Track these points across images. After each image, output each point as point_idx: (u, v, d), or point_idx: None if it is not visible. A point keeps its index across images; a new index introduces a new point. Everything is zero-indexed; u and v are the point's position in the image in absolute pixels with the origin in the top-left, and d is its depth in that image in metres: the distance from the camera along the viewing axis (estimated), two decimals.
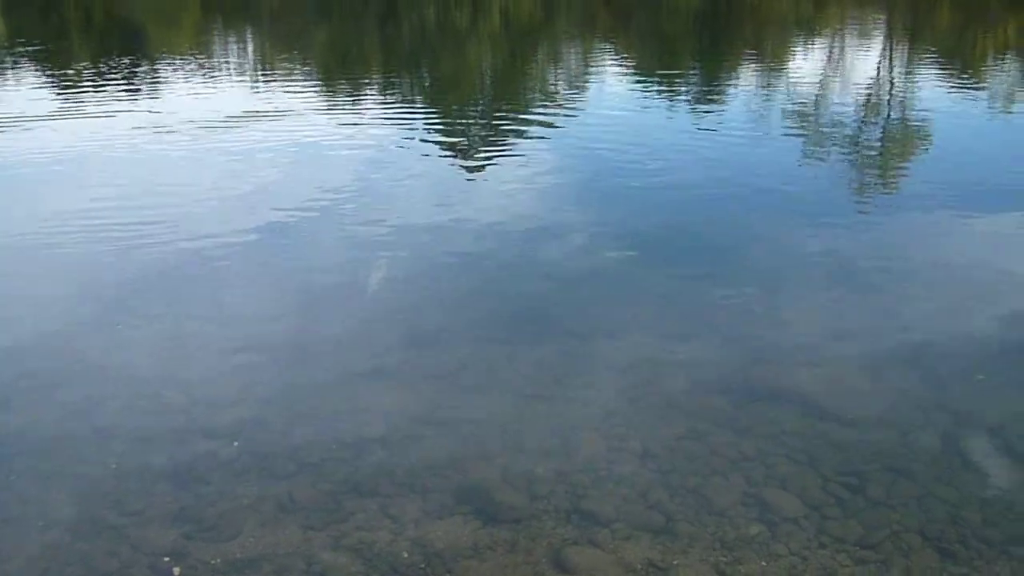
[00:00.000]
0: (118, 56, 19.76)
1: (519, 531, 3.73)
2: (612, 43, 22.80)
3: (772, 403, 4.63)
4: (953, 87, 14.70)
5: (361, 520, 3.83)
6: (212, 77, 16.82)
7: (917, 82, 15.40)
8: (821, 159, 10.08)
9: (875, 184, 9.35)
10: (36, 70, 18.03)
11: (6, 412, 4.71)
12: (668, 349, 5.32)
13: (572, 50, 22.04)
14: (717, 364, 5.13)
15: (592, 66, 18.83)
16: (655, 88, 14.95)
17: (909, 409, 4.51)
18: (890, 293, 6.12)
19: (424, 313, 5.96)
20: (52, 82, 16.48)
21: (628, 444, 4.30)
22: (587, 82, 16.45)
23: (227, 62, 19.46)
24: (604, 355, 5.27)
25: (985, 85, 15.18)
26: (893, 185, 9.27)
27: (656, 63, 18.58)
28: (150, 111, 13.14)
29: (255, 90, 15.32)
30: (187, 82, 16.20)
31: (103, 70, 17.61)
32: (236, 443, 4.41)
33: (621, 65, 18.56)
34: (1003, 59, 18.48)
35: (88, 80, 16.49)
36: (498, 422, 4.54)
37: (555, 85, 16.13)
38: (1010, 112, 13.02)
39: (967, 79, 15.60)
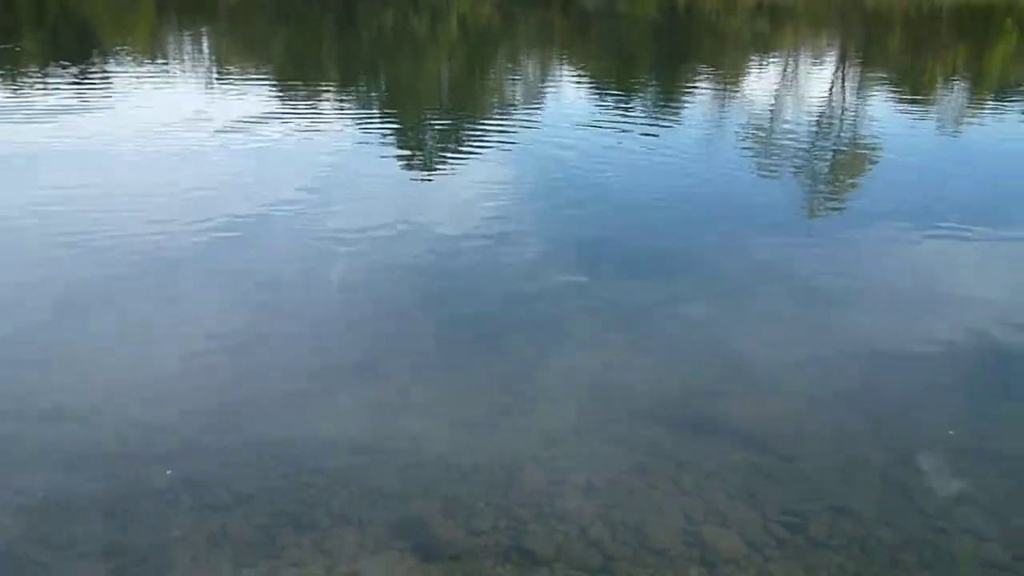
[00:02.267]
0: (71, 56, 19.40)
1: (456, 569, 3.67)
2: (569, 52, 22.88)
3: (714, 435, 4.62)
4: (904, 109, 14.94)
5: (295, 555, 3.73)
6: (167, 80, 16.56)
7: (869, 103, 15.62)
8: (774, 176, 10.16)
9: (826, 202, 9.44)
10: None
11: None
12: (614, 374, 5.29)
13: (530, 58, 22.06)
14: (662, 392, 5.11)
15: (549, 75, 18.86)
16: (612, 99, 15.00)
17: (851, 445, 4.51)
18: (838, 317, 6.15)
19: (370, 329, 5.89)
20: (1, 80, 16.11)
21: (570, 477, 4.25)
22: (544, 91, 16.48)
23: (183, 65, 19.19)
24: (550, 380, 5.22)
25: (934, 107, 15.44)
26: (844, 204, 9.37)
27: (613, 74, 18.66)
28: (104, 112, 12.91)
29: (211, 94, 15.12)
30: (141, 84, 15.94)
31: (55, 70, 17.25)
32: (170, 471, 4.29)
33: (578, 75, 18.61)
34: (952, 83, 18.82)
35: (39, 80, 16.15)
36: (440, 451, 4.47)
37: (513, 94, 16.11)
38: (958, 134, 13.24)
39: (917, 101, 15.87)
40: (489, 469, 4.31)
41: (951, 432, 4.65)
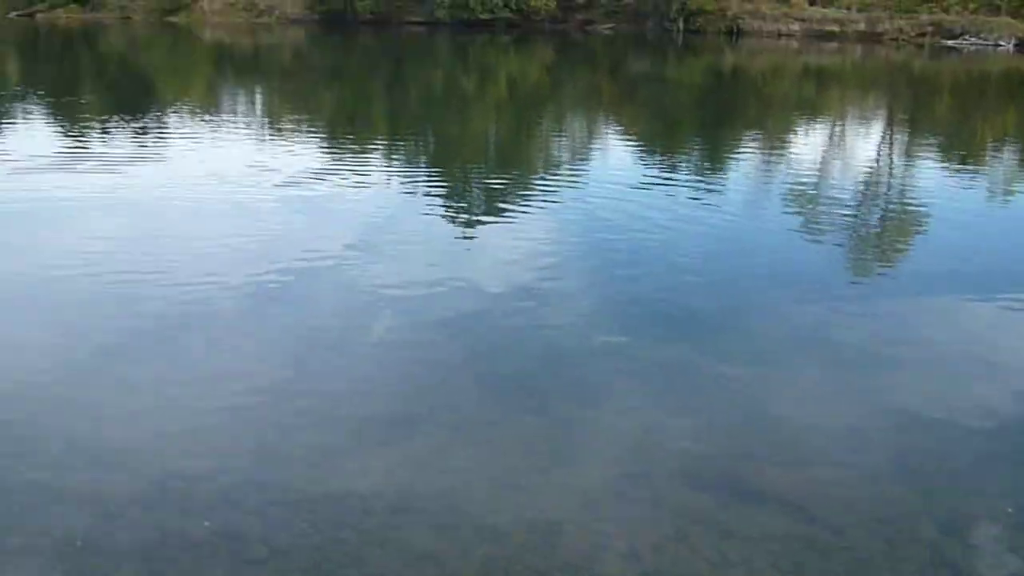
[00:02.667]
0: (129, 108, 19.95)
1: None
2: (616, 115, 23.04)
3: (758, 503, 4.52)
4: (952, 173, 14.79)
5: None
6: (220, 132, 16.95)
7: (916, 167, 15.49)
8: (820, 240, 10.07)
9: (874, 267, 9.33)
10: (47, 118, 18.20)
11: None
12: (656, 437, 5.22)
13: (577, 120, 22.25)
14: (705, 456, 5.03)
15: (596, 137, 18.99)
16: (657, 162, 15.04)
17: (899, 517, 4.39)
18: (885, 384, 6.03)
19: (411, 385, 5.88)
20: (62, 130, 16.61)
21: (611, 541, 4.18)
22: (590, 153, 16.59)
23: (237, 119, 19.63)
24: (591, 441, 5.17)
25: (984, 172, 15.27)
26: (892, 269, 9.24)
27: (659, 137, 18.73)
28: (157, 162, 13.23)
29: (261, 146, 15.43)
30: (195, 136, 16.32)
31: (113, 121, 17.74)
32: (207, 523, 4.29)
33: (624, 138, 18.72)
34: (1001, 147, 18.62)
35: (97, 130, 16.61)
36: (478, 511, 4.42)
37: (560, 154, 16.24)
38: (1009, 200, 13.06)
39: (966, 166, 15.70)
40: (528, 530, 4.25)
41: (1009, 509, 4.51)
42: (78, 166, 12.58)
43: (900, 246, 10.25)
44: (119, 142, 14.96)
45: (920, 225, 11.05)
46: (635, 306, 7.46)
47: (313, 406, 5.51)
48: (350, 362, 6.18)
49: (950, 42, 49.27)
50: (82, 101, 21.86)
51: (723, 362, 6.30)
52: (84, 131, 16.41)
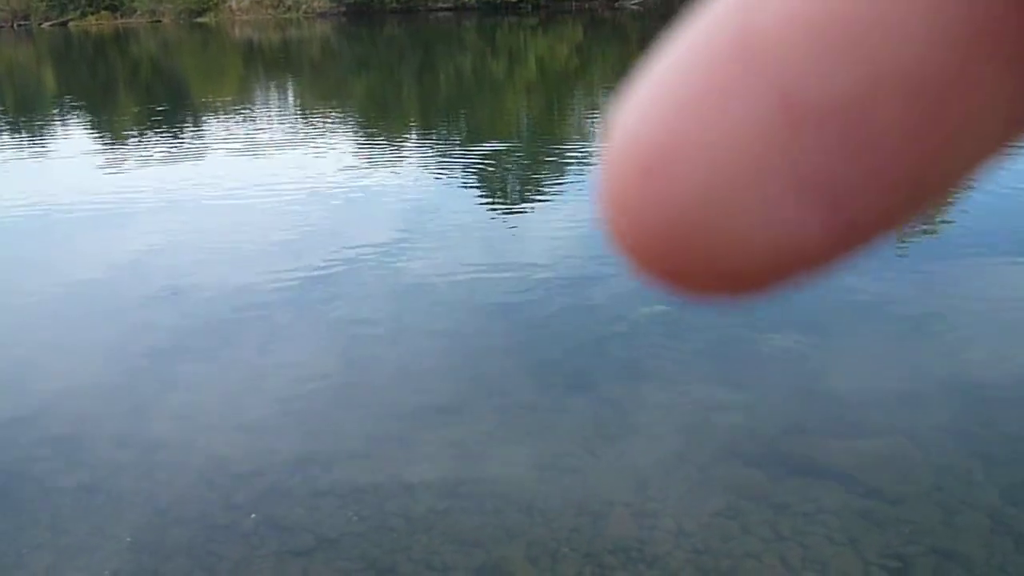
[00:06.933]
0: (164, 110, 20.15)
1: None
2: None
3: (811, 476, 4.42)
4: None
5: None
6: (255, 129, 17.05)
7: None
8: None
9: (919, 230, 9.10)
10: (84, 122, 18.43)
11: (22, 480, 4.65)
12: (705, 413, 5.13)
13: (609, 99, 22.07)
14: (755, 430, 4.93)
15: None
16: None
17: (958, 486, 4.27)
18: (940, 350, 5.88)
19: (456, 373, 5.85)
20: (99, 134, 16.82)
21: (660, 521, 4.11)
22: None
23: (270, 115, 19.74)
24: (639, 420, 5.10)
25: None
26: (937, 230, 9.02)
27: None
28: (194, 160, 13.33)
29: (297, 140, 15.49)
30: (231, 133, 16.44)
31: (149, 121, 17.93)
32: (254, 515, 4.29)
33: None
34: None
35: (134, 131, 16.81)
36: (525, 495, 4.37)
37: (593, 132, 16.10)
38: None
39: None
40: (575, 513, 4.20)
41: None
42: (119, 168, 12.71)
43: (944, 208, 9.99)
44: (158, 143, 15.09)
45: (969, 183, 10.76)
46: None
47: (358, 396, 5.51)
48: (395, 352, 6.16)
49: None
50: (121, 104, 22.11)
51: (770, 334, 6.18)
52: (123, 133, 16.59)
